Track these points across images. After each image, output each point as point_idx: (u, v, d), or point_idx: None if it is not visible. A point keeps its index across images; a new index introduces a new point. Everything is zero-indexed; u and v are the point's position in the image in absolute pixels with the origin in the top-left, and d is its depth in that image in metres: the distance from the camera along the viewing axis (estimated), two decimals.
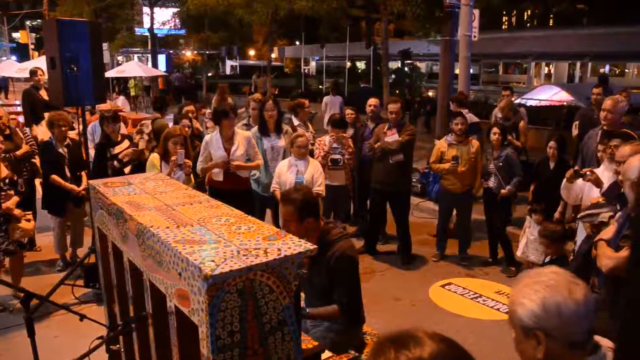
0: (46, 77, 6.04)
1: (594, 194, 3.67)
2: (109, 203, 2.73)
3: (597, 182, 3.76)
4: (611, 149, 3.88)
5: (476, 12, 8.05)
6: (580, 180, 3.94)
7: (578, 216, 3.44)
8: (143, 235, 2.29)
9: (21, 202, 4.74)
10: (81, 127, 4.98)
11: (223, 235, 2.13)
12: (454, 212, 6.09)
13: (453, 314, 4.78)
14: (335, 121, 5.76)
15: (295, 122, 6.65)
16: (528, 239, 5.31)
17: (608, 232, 2.71)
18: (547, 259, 3.90)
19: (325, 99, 11.81)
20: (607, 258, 2.59)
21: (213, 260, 1.83)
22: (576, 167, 3.97)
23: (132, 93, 21.95)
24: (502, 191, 5.54)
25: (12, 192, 4.60)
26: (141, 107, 21.28)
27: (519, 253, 5.46)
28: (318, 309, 3.00)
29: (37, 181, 5.82)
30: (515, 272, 5.59)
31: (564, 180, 4.02)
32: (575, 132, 6.83)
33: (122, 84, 21.90)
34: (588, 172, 3.78)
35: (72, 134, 6.33)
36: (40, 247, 6.00)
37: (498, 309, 4.87)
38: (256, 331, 1.89)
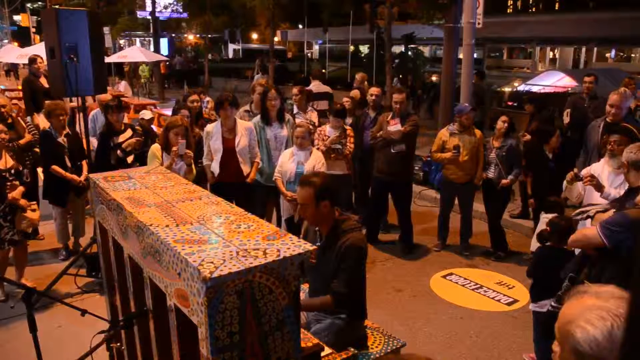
0: (46, 64, 6.01)
1: (595, 196, 3.62)
2: (109, 198, 2.72)
3: (598, 187, 3.63)
4: (611, 144, 3.82)
5: None
6: (579, 183, 3.86)
7: (573, 214, 3.39)
8: (142, 233, 2.29)
9: (25, 191, 4.74)
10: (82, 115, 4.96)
11: (222, 234, 2.12)
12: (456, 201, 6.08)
13: (454, 304, 4.79)
14: (336, 111, 5.72)
15: (295, 109, 6.63)
16: None
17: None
18: None
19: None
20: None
21: (212, 262, 1.83)
22: (575, 170, 3.91)
23: (142, 80, 21.87)
24: (503, 181, 5.52)
25: (17, 182, 4.60)
26: (144, 93, 21.20)
27: (532, 248, 5.33)
28: (311, 299, 2.99)
29: (40, 169, 5.82)
30: (502, 257, 5.74)
31: (564, 182, 3.96)
32: (566, 120, 6.85)
33: (115, 68, 21.68)
34: (588, 177, 3.63)
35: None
36: (44, 235, 6.02)
37: (499, 300, 4.88)
38: (255, 332, 1.89)
